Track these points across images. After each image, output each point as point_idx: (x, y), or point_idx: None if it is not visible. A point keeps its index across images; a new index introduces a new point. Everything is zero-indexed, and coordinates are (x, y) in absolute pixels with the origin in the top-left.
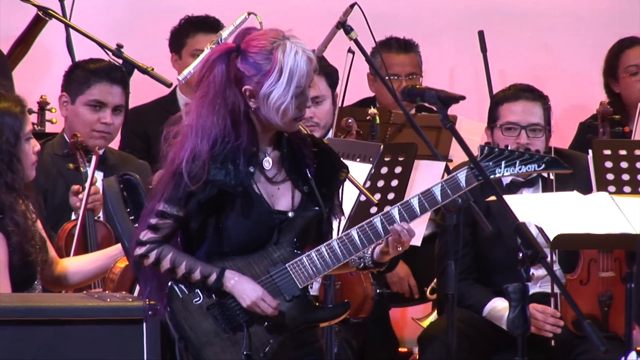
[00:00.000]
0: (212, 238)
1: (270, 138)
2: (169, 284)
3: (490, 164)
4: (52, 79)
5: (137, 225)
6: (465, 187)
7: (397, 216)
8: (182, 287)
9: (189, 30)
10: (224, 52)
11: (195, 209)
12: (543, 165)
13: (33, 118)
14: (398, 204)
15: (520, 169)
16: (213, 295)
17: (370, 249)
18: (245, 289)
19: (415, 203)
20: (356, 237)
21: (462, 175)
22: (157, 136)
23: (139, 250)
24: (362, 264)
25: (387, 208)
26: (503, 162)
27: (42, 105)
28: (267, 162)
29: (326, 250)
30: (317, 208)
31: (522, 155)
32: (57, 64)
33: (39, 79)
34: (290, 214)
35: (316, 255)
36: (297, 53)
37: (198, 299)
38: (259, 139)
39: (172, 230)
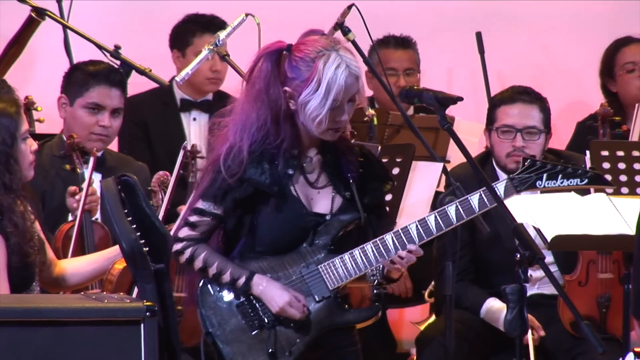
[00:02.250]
0: (246, 237)
1: (315, 142)
2: (202, 280)
3: (532, 175)
4: (50, 80)
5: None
6: (503, 197)
7: (433, 223)
8: (214, 283)
9: (195, 30)
10: (273, 50)
11: (231, 206)
12: (586, 180)
13: None
14: (435, 212)
15: (562, 183)
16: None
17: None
18: (273, 295)
19: (452, 211)
20: (390, 242)
21: (501, 186)
22: (155, 126)
23: (176, 247)
24: (375, 281)
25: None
26: (545, 175)
27: (28, 106)
28: (310, 166)
29: (359, 254)
30: (356, 213)
31: (565, 169)
32: (55, 64)
33: (37, 79)
34: (327, 217)
35: (349, 258)
36: (338, 67)
37: (229, 296)
38: (303, 141)
39: (209, 228)
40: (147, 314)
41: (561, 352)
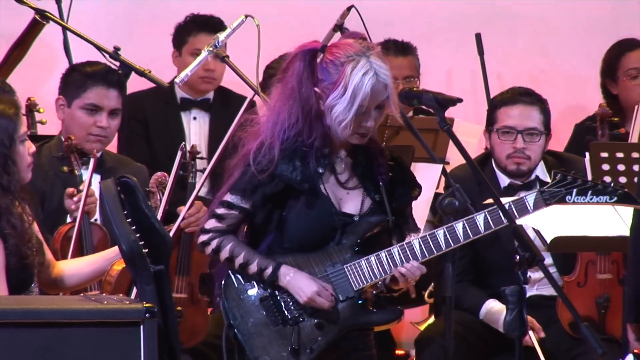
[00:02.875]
0: (274, 233)
1: (346, 143)
2: (227, 272)
3: (562, 190)
4: (50, 82)
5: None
6: (532, 209)
7: (460, 231)
8: (239, 277)
9: (191, 29)
10: (306, 50)
11: (261, 201)
12: (615, 198)
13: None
14: (463, 219)
15: (591, 199)
16: (268, 289)
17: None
18: (301, 285)
19: (480, 220)
20: (417, 247)
21: (530, 198)
22: (155, 124)
23: (202, 238)
24: (379, 289)
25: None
26: (574, 190)
27: (31, 107)
28: (340, 166)
29: (385, 256)
30: (384, 215)
31: (595, 186)
32: (55, 66)
33: (37, 81)
34: (355, 218)
35: (375, 260)
36: (366, 73)
37: (253, 290)
38: (334, 142)
39: (236, 222)
40: (147, 315)
41: (560, 353)
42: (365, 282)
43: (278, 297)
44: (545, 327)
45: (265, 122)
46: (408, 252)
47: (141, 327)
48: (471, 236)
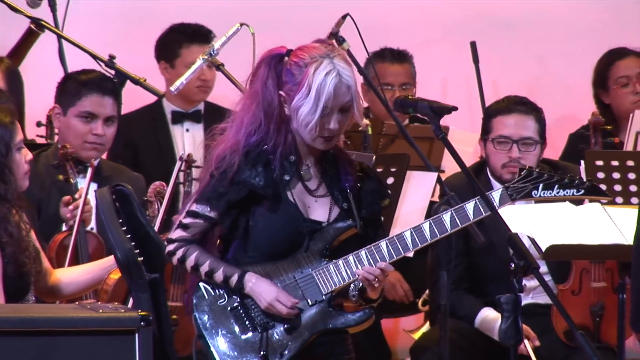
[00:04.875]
0: (240, 240)
1: (314, 151)
2: (197, 284)
3: (529, 185)
4: (44, 90)
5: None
6: (498, 206)
7: (427, 231)
8: (209, 288)
9: (182, 41)
10: (272, 55)
11: (225, 208)
12: (582, 191)
13: (41, 131)
14: (430, 219)
15: (558, 193)
16: (237, 297)
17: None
18: (261, 290)
19: (447, 219)
20: (384, 248)
21: (496, 194)
22: (144, 144)
23: (168, 248)
24: (355, 299)
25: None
26: (541, 185)
27: (51, 118)
28: (307, 174)
29: (353, 259)
30: (352, 221)
31: (561, 180)
32: (50, 75)
33: (32, 90)
34: (323, 224)
35: (343, 264)
36: (329, 73)
37: (223, 300)
38: (301, 149)
39: (202, 230)
40: (142, 323)
41: None
42: (334, 285)
43: (247, 305)
44: (540, 335)
45: (229, 128)
46: (376, 254)
47: (136, 335)
48: (438, 235)
